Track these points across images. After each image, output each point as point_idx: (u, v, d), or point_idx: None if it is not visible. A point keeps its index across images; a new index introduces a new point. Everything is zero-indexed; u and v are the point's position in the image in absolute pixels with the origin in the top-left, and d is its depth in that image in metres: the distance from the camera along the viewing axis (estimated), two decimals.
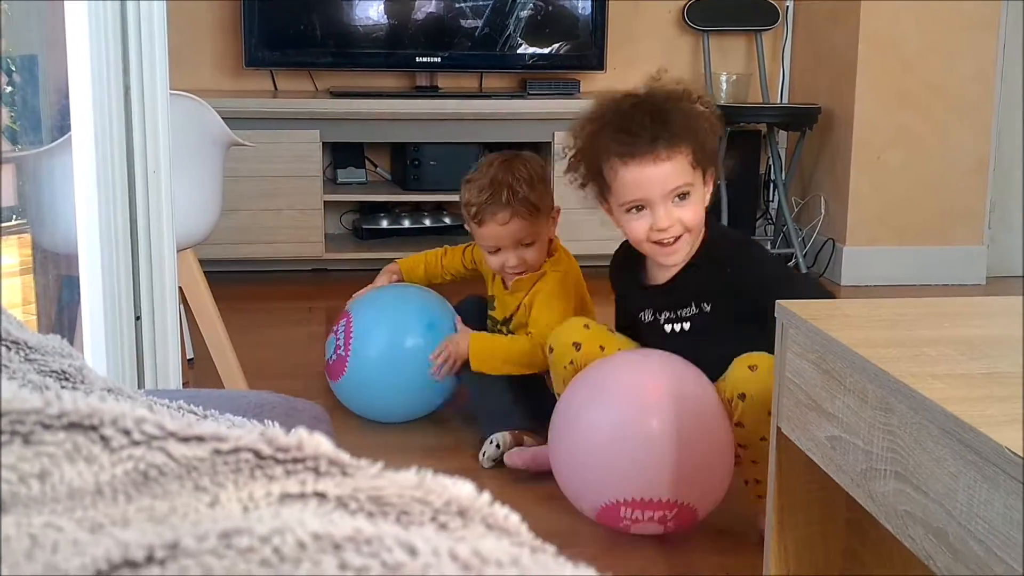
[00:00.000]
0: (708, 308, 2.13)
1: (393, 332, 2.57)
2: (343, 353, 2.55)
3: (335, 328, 2.61)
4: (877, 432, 1.38)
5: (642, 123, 2.02)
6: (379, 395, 2.57)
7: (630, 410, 2.01)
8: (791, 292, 1.99)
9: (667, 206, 2.03)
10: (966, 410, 1.20)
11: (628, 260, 2.24)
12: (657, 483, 1.97)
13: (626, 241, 2.20)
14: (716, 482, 2.04)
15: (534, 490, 2.25)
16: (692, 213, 2.05)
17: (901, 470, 1.32)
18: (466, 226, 2.59)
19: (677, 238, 2.05)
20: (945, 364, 1.39)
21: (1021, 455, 1.08)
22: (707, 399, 2.02)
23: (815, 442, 1.57)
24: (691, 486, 1.99)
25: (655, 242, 2.06)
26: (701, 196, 2.08)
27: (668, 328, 2.18)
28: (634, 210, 2.05)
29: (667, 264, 2.12)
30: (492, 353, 2.49)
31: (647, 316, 2.20)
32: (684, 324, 2.16)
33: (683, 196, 2.04)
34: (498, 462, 2.39)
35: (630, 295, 2.26)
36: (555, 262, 2.57)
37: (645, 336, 2.22)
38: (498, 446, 2.40)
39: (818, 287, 2.17)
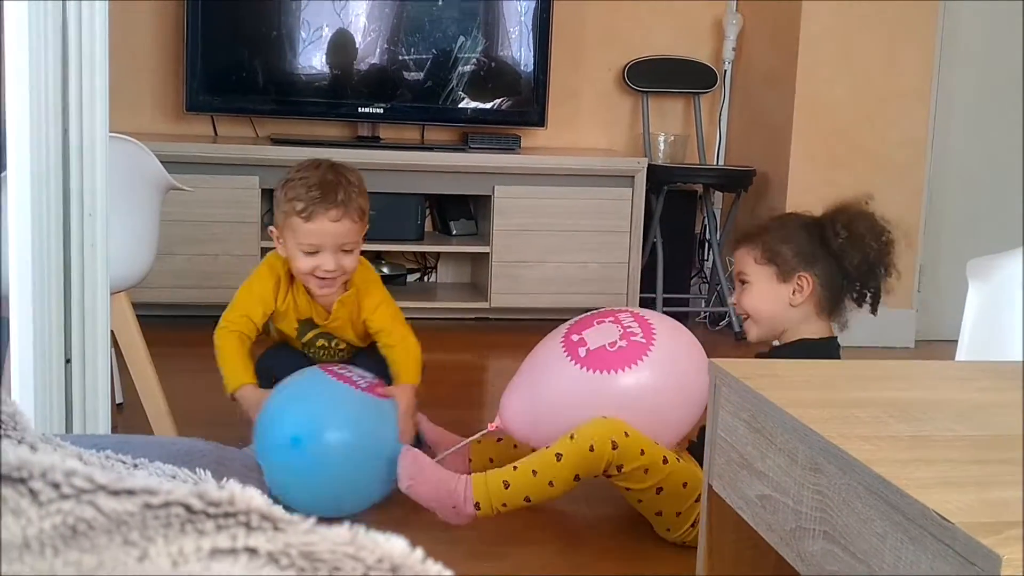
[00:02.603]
0: None
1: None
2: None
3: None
4: (806, 492, 1.39)
5: None
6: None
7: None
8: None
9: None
10: (894, 472, 1.22)
11: None
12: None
13: None
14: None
15: (466, 546, 2.23)
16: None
17: (829, 530, 1.33)
18: (274, 233, 2.48)
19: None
20: (874, 426, 1.41)
21: (947, 518, 1.10)
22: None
23: (745, 500, 1.58)
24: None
25: None
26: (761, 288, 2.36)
27: None
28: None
29: None
30: (413, 374, 2.50)
31: None
32: None
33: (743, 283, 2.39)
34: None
35: None
36: (356, 275, 2.54)
37: None
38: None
39: None
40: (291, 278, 2.52)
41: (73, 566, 0.41)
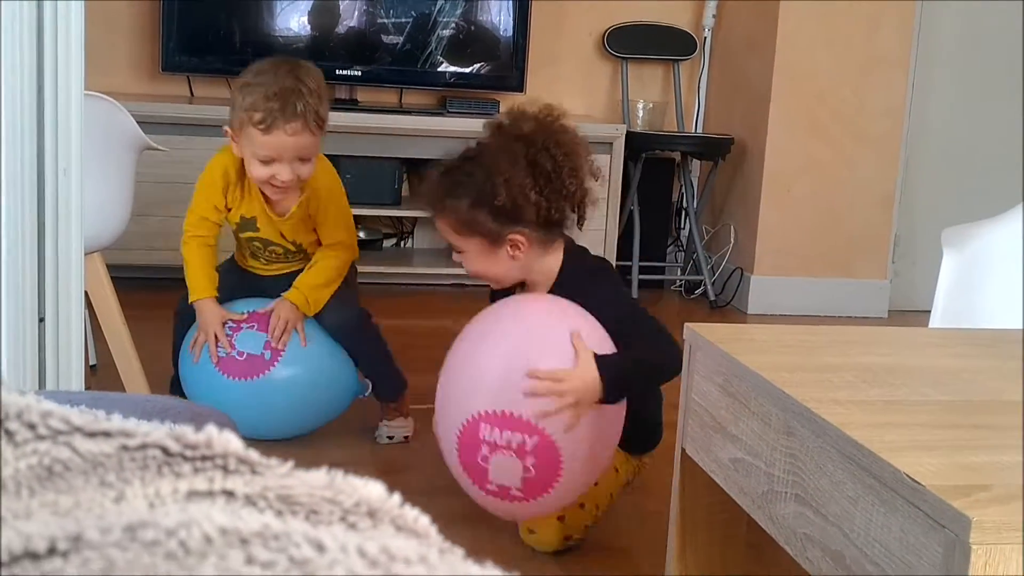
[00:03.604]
0: None
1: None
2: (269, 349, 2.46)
3: (249, 324, 2.49)
4: (779, 455, 1.40)
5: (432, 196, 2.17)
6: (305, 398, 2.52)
7: (505, 327, 2.04)
8: (639, 331, 2.06)
9: (456, 256, 2.19)
10: (866, 435, 1.23)
11: None
12: (519, 400, 1.91)
13: None
14: (583, 426, 1.95)
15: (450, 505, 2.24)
16: (476, 270, 2.16)
17: (802, 493, 1.34)
18: (229, 133, 2.42)
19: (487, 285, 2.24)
20: (847, 390, 1.42)
21: (918, 481, 1.11)
22: (594, 339, 2.00)
23: (718, 463, 1.59)
24: (555, 420, 1.92)
25: None
26: (480, 255, 2.13)
27: None
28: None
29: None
30: (314, 285, 2.49)
31: None
32: None
33: (460, 255, 2.17)
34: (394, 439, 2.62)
35: None
36: (314, 178, 2.50)
37: None
38: (391, 438, 2.62)
39: (665, 334, 2.06)
40: (243, 175, 2.50)
41: (49, 507, 0.41)
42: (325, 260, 2.52)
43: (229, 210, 2.54)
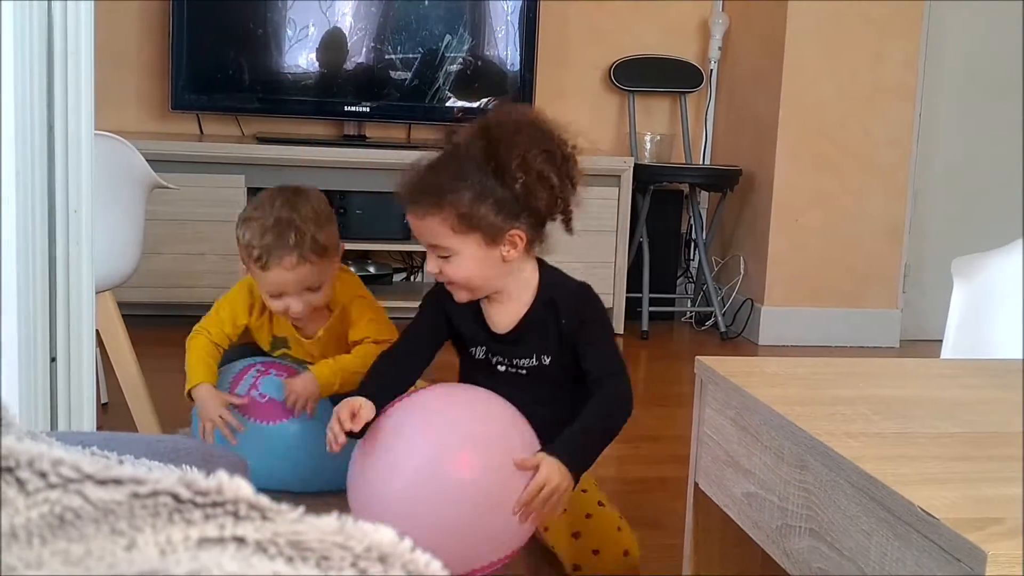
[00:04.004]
0: (547, 361, 2.03)
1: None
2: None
3: (279, 373, 2.42)
4: (792, 489, 1.40)
5: (415, 180, 1.99)
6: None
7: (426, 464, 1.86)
8: (611, 371, 1.98)
9: (436, 256, 1.97)
10: (879, 468, 1.23)
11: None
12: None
13: None
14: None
15: None
16: (455, 271, 1.96)
17: (816, 527, 1.34)
18: (244, 266, 2.35)
19: (450, 284, 1.99)
20: (860, 423, 1.42)
21: (933, 514, 1.10)
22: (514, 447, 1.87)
23: (731, 498, 1.59)
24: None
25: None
26: (468, 256, 1.95)
27: (502, 368, 2.06)
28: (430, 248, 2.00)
29: (456, 300, 2.02)
30: (352, 371, 2.29)
31: (478, 353, 2.07)
32: (520, 370, 2.05)
33: (445, 255, 1.96)
34: None
35: (465, 324, 2.07)
36: (337, 297, 2.40)
37: (471, 369, 2.09)
38: None
39: (626, 376, 2.01)
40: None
41: (61, 555, 0.40)
42: (371, 351, 2.31)
43: (247, 329, 2.48)
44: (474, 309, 2.05)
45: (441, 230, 1.93)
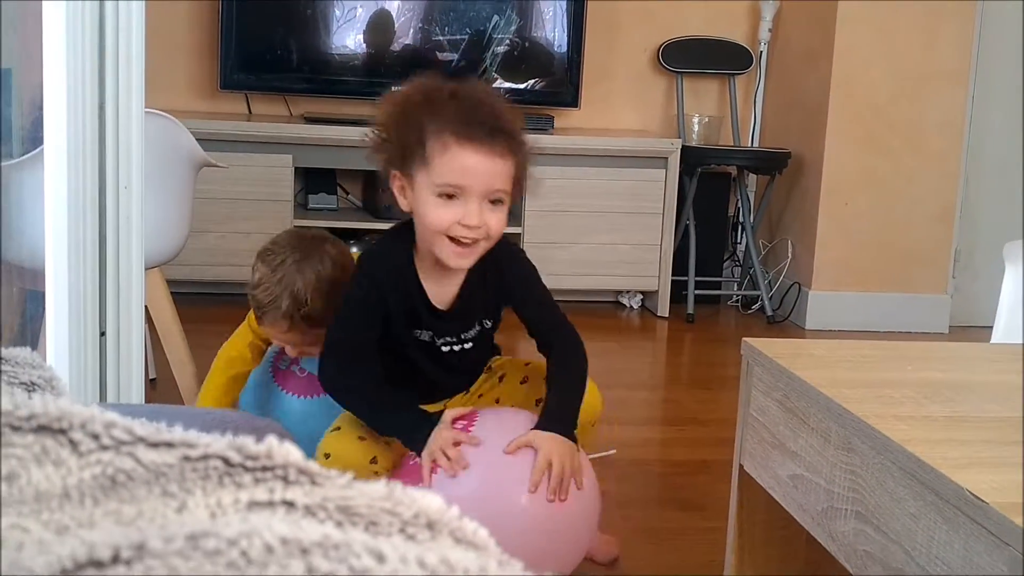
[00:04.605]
0: (489, 324, 2.01)
1: None
2: None
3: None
4: (839, 472, 1.39)
5: (488, 113, 1.82)
6: None
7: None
8: (555, 322, 1.96)
9: (483, 204, 1.80)
10: (927, 451, 1.22)
11: (404, 272, 1.94)
12: None
13: (394, 250, 1.96)
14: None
15: None
16: (499, 223, 1.84)
17: (862, 510, 1.33)
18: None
19: (475, 242, 1.83)
20: (908, 406, 1.40)
21: (982, 497, 1.09)
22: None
23: (777, 480, 1.58)
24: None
25: (453, 238, 1.81)
26: (507, 211, 1.87)
27: (446, 349, 1.99)
28: (445, 196, 1.80)
29: (453, 266, 1.86)
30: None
31: (423, 335, 1.97)
32: (466, 344, 2.00)
33: (497, 203, 1.82)
34: None
35: (407, 311, 1.95)
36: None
37: (413, 353, 1.98)
38: None
39: (569, 324, 1.98)
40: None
41: (112, 516, 0.41)
42: None
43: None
44: (416, 289, 1.93)
45: (508, 175, 1.82)
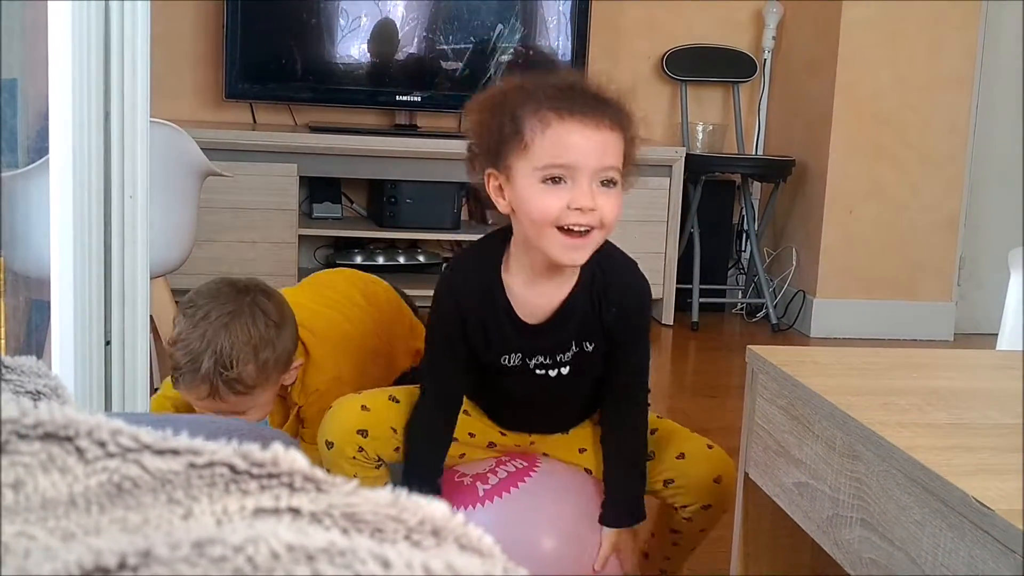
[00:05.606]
0: (590, 347, 1.75)
1: None
2: None
3: None
4: (844, 479, 1.39)
5: (589, 85, 1.67)
6: None
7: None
8: (642, 361, 1.82)
9: (593, 185, 1.59)
10: (933, 459, 1.21)
11: (491, 286, 1.71)
12: None
13: (478, 262, 1.77)
14: None
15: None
16: (614, 208, 1.61)
17: (867, 517, 1.32)
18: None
19: (588, 232, 1.60)
20: (913, 413, 1.40)
21: (988, 505, 1.09)
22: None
23: (782, 488, 1.58)
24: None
25: (565, 228, 1.58)
26: (621, 196, 1.65)
27: (540, 372, 1.76)
28: (551, 181, 1.58)
29: (567, 262, 1.63)
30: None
31: (511, 360, 1.75)
32: (562, 369, 1.76)
33: (609, 184, 1.61)
34: None
35: (492, 332, 1.73)
36: (308, 385, 2.04)
37: (505, 379, 1.78)
38: None
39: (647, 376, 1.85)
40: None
41: (119, 523, 0.41)
42: None
43: None
44: (502, 303, 1.72)
45: (618, 150, 1.62)
